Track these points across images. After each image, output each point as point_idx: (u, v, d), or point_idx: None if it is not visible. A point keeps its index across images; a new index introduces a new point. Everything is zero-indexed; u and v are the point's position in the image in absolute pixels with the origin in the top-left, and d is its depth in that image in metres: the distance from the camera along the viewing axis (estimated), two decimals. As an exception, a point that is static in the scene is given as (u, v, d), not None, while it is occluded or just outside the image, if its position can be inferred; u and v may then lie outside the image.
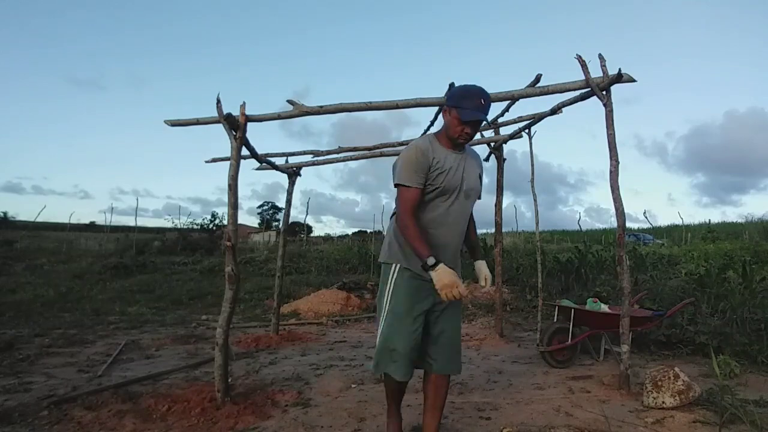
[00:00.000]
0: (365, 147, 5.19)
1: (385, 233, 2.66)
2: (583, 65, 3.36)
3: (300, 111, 3.46)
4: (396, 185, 2.21)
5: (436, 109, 4.47)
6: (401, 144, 5.27)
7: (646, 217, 32.47)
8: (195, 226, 18.13)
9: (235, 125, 3.32)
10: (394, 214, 2.39)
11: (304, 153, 5.37)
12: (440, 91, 3.57)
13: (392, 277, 2.33)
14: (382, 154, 5.53)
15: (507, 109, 4.63)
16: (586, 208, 71.81)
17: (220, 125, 3.31)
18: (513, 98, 3.77)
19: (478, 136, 5.23)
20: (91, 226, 25.00)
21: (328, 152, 5.27)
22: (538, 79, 3.58)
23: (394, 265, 2.34)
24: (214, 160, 4.99)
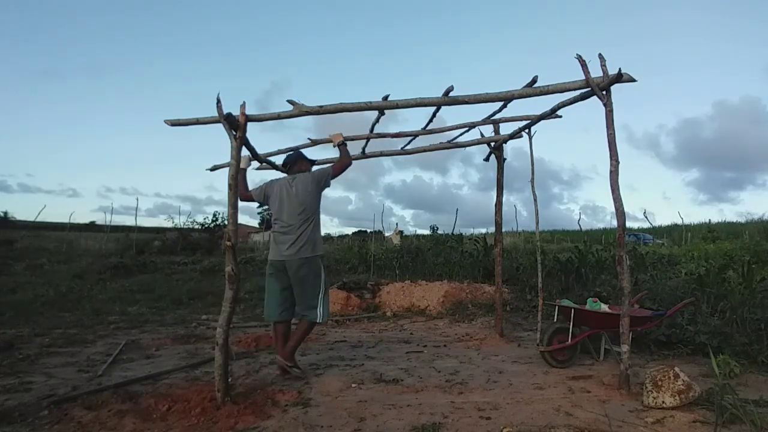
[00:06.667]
0: (364, 140, 5.18)
1: (306, 236, 3.80)
2: (583, 65, 3.36)
3: (300, 111, 3.46)
4: (333, 177, 3.98)
5: (433, 109, 4.47)
6: (397, 137, 5.27)
7: (645, 217, 32.52)
8: (196, 226, 18.12)
9: (235, 125, 3.32)
10: (307, 223, 3.80)
11: (304, 153, 5.36)
12: (437, 91, 3.59)
13: (323, 265, 3.91)
14: (382, 154, 5.54)
15: (504, 106, 4.54)
16: (582, 206, 72.05)
17: (218, 125, 3.31)
18: (512, 98, 3.77)
19: (477, 135, 5.24)
20: (91, 226, 25.01)
21: (329, 152, 5.27)
22: (534, 80, 3.57)
23: (322, 255, 3.93)
24: (215, 168, 4.86)
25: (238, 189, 3.37)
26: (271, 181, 4.08)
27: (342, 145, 4.07)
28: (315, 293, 3.81)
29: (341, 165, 4.00)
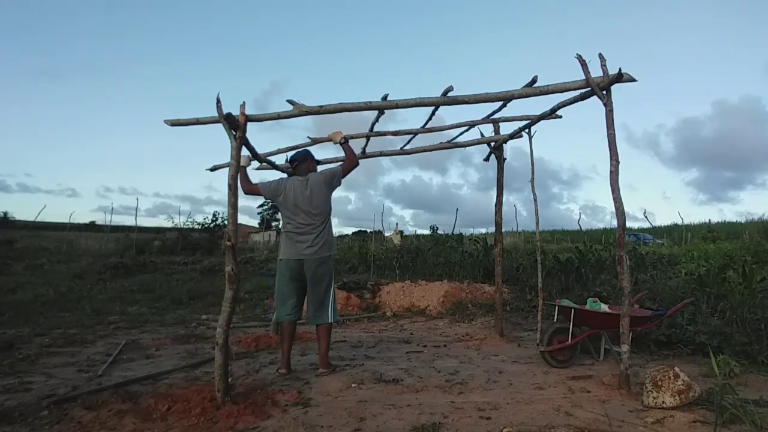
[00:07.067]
0: (364, 139, 5.17)
1: (323, 236, 3.91)
2: (583, 65, 3.36)
3: (300, 111, 3.46)
4: (343, 177, 4.07)
5: (431, 109, 4.46)
6: (396, 134, 5.25)
7: (645, 217, 32.42)
8: (195, 226, 18.13)
9: (235, 125, 3.32)
10: (324, 223, 3.91)
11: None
12: (437, 91, 3.59)
13: (333, 264, 4.00)
14: (381, 154, 5.54)
15: (504, 106, 4.53)
16: (582, 206, 72.11)
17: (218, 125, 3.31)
18: (512, 98, 3.77)
19: (477, 134, 5.24)
20: (91, 226, 25.02)
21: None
22: (534, 80, 3.57)
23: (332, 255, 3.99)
24: (215, 168, 4.83)
25: (238, 189, 3.37)
26: (282, 179, 4.10)
27: (345, 144, 4.10)
28: (328, 292, 3.93)
29: (350, 165, 4.07)
